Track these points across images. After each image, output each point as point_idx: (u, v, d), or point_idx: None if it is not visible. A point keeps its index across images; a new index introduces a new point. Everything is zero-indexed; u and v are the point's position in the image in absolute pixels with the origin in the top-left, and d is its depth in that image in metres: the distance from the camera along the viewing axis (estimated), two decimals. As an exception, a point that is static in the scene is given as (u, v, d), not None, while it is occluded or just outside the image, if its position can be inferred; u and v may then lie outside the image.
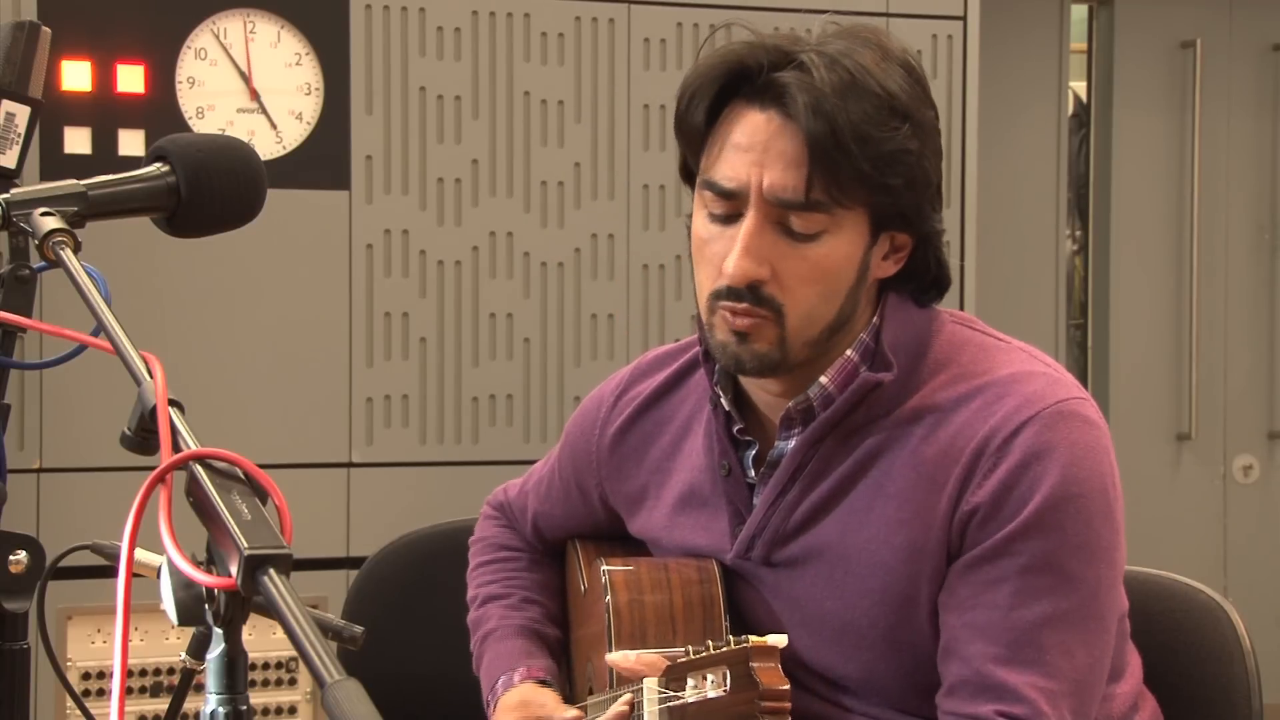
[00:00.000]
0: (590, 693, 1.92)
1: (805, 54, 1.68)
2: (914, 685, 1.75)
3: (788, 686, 1.44)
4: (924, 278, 1.78)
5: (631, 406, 1.95)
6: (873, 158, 1.66)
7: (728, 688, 1.46)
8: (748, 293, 1.70)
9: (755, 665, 1.44)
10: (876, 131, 1.65)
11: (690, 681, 1.50)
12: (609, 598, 1.82)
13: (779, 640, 1.45)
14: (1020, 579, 1.66)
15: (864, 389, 1.74)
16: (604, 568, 1.85)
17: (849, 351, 1.75)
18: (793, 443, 1.77)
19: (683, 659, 1.53)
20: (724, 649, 1.47)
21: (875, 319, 1.76)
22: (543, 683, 1.96)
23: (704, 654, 1.50)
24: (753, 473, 1.83)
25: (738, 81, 1.71)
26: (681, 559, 1.87)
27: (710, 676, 1.48)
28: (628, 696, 1.65)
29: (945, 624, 1.70)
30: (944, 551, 1.70)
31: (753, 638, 1.46)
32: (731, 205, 1.70)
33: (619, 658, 1.64)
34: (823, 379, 1.74)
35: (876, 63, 1.69)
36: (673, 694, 1.53)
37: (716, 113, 1.73)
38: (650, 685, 1.57)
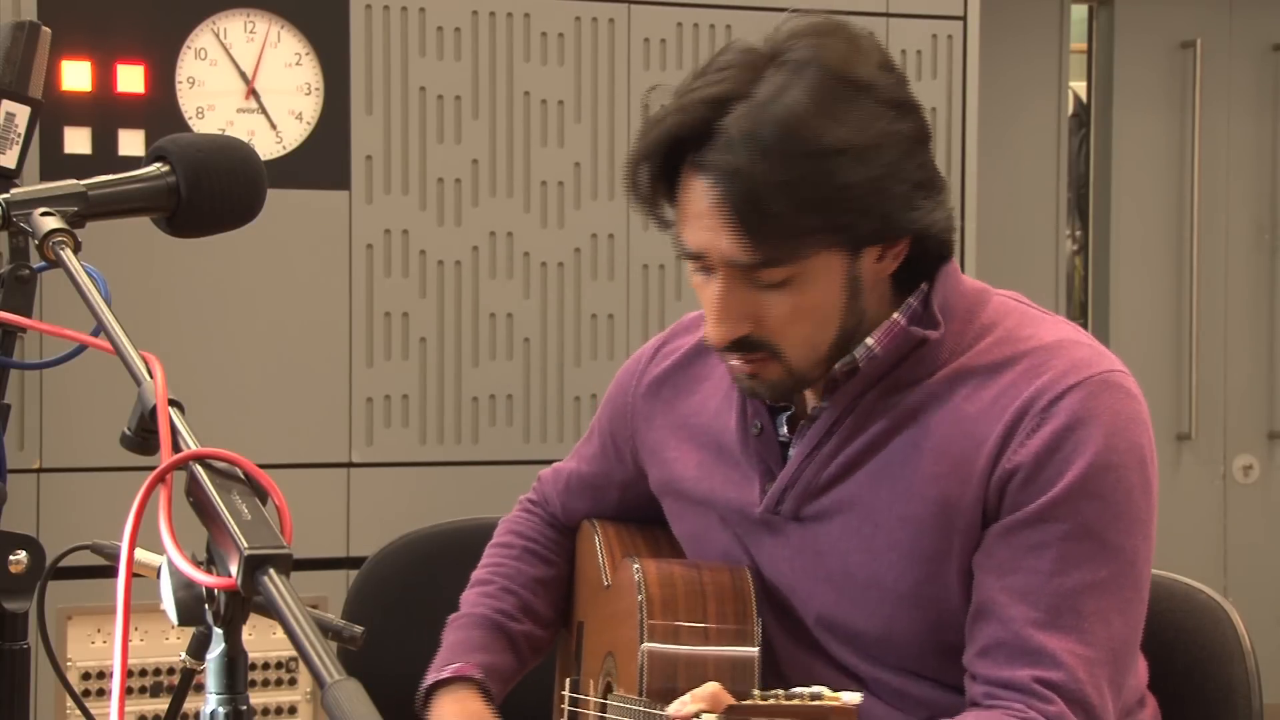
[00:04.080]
0: (610, 690, 1.92)
1: (729, 114, 1.66)
2: (933, 645, 1.75)
3: None
4: (929, 258, 1.76)
5: (671, 359, 1.98)
6: (807, 207, 1.64)
7: None
8: (735, 346, 1.73)
9: None
10: (805, 181, 1.63)
11: None
12: (642, 596, 1.82)
13: (854, 699, 1.43)
14: (1062, 545, 1.67)
15: (910, 343, 1.74)
16: (636, 566, 1.85)
17: (896, 315, 1.75)
18: (834, 399, 1.78)
19: (747, 701, 1.50)
20: (798, 702, 1.43)
21: (924, 285, 1.76)
22: (472, 680, 1.98)
23: (773, 703, 1.45)
24: (785, 430, 1.83)
25: (679, 150, 1.70)
26: (714, 563, 1.87)
27: None
28: None
29: (982, 585, 1.71)
30: (979, 508, 1.71)
31: (826, 692, 1.42)
32: (703, 264, 1.73)
33: (676, 707, 1.61)
34: (869, 340, 1.75)
35: (810, 98, 1.65)
36: None
37: (673, 178, 1.72)
38: None
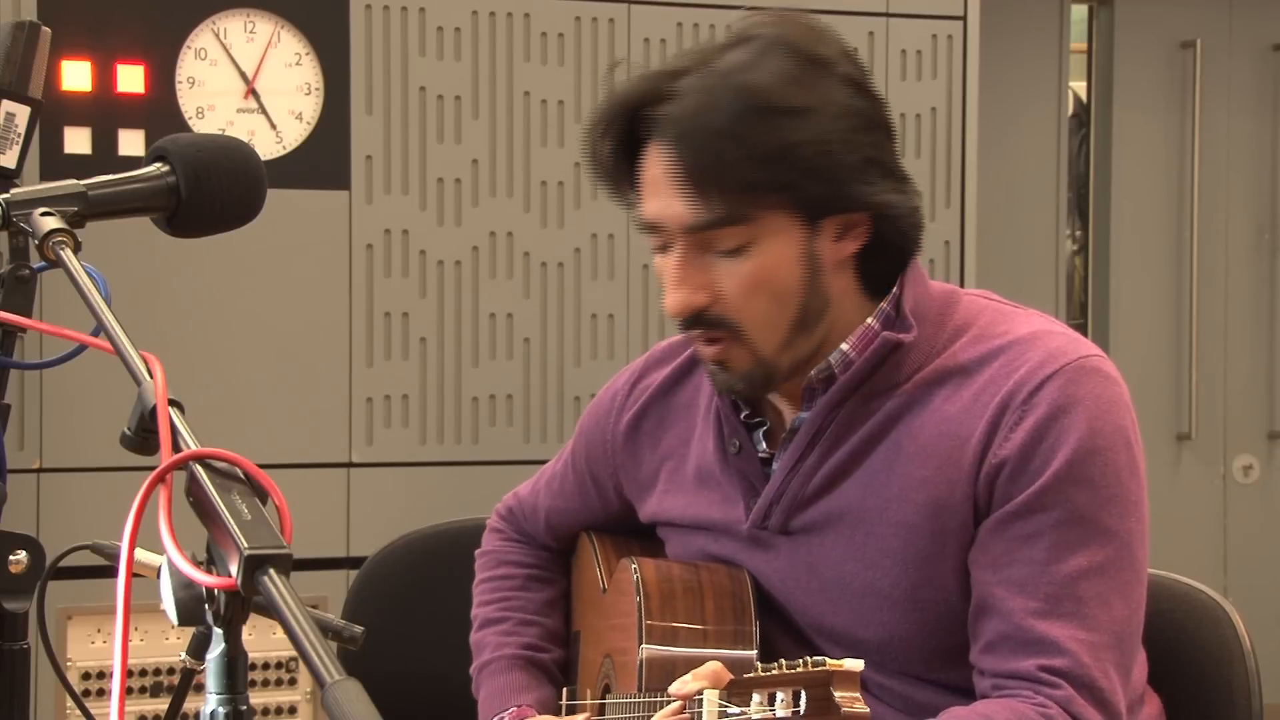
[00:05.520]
0: (608, 690, 1.92)
1: (684, 79, 1.70)
2: (934, 649, 1.76)
3: (869, 712, 1.43)
4: (891, 248, 1.76)
5: (646, 395, 1.97)
6: (754, 162, 1.67)
7: (800, 709, 1.41)
8: (696, 320, 1.74)
9: (837, 692, 1.40)
10: (752, 134, 1.66)
11: (755, 698, 1.46)
12: (640, 597, 1.82)
13: (856, 665, 1.43)
14: (1055, 533, 1.68)
15: (885, 349, 1.75)
16: (633, 566, 1.85)
17: (870, 320, 1.76)
18: (813, 410, 1.78)
19: (749, 674, 1.50)
20: (799, 669, 1.43)
21: (895, 289, 1.77)
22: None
23: (774, 672, 1.46)
24: (764, 446, 1.83)
25: (635, 117, 1.74)
26: (711, 564, 1.87)
27: (780, 696, 1.43)
28: (678, 705, 1.63)
29: (979, 581, 1.71)
30: (970, 506, 1.71)
31: (830, 660, 1.42)
32: (662, 238, 1.74)
33: (677, 686, 1.61)
34: (844, 346, 1.75)
35: (764, 64, 1.69)
36: (736, 709, 1.50)
37: (634, 151, 1.75)
38: (710, 697, 1.54)
